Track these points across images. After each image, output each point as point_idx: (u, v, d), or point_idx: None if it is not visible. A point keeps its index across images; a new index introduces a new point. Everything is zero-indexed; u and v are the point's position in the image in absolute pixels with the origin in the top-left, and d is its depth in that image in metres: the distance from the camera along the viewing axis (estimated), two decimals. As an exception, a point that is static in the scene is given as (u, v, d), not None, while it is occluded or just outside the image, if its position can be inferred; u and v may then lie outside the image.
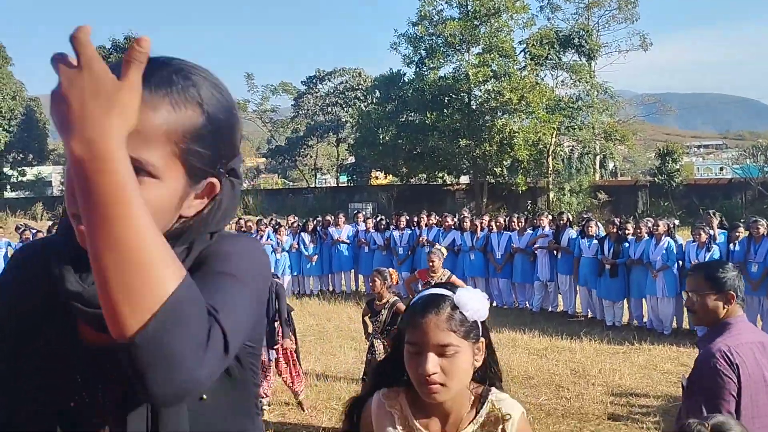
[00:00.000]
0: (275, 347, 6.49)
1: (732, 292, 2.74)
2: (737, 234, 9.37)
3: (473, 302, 1.62)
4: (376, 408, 1.72)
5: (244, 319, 1.02)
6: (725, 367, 2.55)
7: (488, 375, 1.73)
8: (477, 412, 1.66)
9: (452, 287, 1.68)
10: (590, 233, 10.46)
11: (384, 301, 6.02)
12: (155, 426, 1.06)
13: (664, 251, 9.52)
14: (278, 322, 6.50)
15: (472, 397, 1.68)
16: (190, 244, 1.09)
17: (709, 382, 2.56)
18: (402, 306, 6.05)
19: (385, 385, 1.76)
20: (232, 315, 0.97)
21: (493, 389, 1.69)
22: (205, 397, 1.10)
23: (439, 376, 1.56)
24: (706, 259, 8.71)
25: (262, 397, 6.53)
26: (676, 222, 11.34)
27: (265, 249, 1.23)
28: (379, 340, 5.88)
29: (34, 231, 13.38)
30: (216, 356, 0.91)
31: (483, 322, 1.69)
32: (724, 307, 2.74)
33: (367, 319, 6.28)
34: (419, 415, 1.68)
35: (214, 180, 1.09)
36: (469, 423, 1.65)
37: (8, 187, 39.53)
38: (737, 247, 9.22)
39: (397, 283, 6.79)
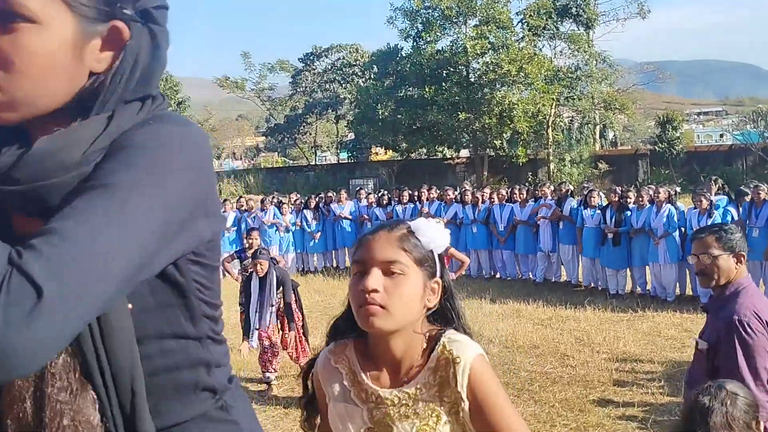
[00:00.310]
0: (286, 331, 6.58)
1: (742, 252, 2.81)
2: (743, 200, 9.36)
3: (431, 230, 1.50)
4: (322, 366, 1.60)
5: (117, 253, 0.81)
6: (757, 325, 2.62)
7: (447, 320, 1.57)
8: (429, 358, 1.48)
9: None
10: (593, 203, 10.48)
11: None
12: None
13: (666, 218, 9.55)
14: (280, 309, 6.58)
15: (426, 341, 1.51)
16: (111, 113, 0.94)
17: (743, 340, 2.61)
18: None
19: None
20: (81, 257, 0.77)
21: (450, 330, 1.51)
22: (131, 306, 0.95)
23: (380, 297, 1.40)
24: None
25: (270, 372, 6.64)
26: (678, 189, 11.37)
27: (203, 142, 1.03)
28: None
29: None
30: (19, 316, 0.71)
31: (442, 262, 1.54)
32: (735, 268, 2.80)
33: None
34: (368, 368, 1.53)
35: (119, 23, 0.93)
36: (422, 370, 1.48)
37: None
38: (740, 212, 9.26)
39: None
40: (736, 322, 2.64)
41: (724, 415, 2.05)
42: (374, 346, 1.53)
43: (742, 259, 2.82)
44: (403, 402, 1.47)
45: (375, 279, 1.41)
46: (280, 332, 6.70)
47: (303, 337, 6.87)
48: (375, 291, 1.40)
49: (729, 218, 9.06)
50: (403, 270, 1.43)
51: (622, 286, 10.26)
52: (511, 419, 1.44)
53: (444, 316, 1.56)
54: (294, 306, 6.69)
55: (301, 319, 6.89)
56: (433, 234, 1.49)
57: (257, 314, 6.50)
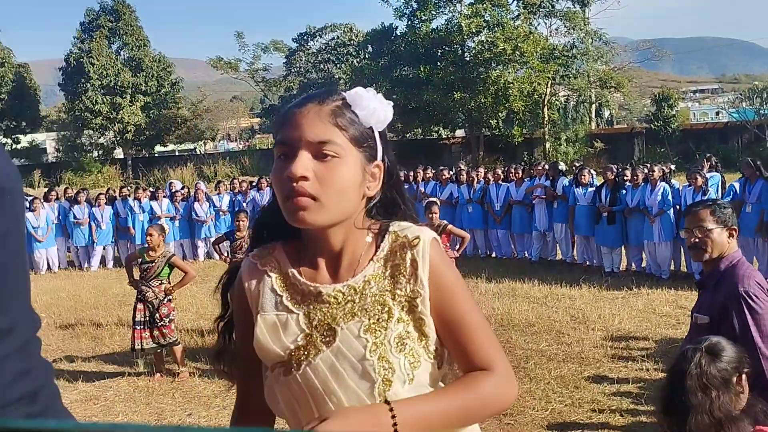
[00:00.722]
0: None
1: (734, 227, 2.84)
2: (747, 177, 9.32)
3: (370, 100, 1.27)
4: (247, 273, 1.35)
5: None
6: (762, 294, 2.68)
7: (390, 212, 1.37)
8: (378, 248, 1.30)
9: None
10: (584, 181, 10.48)
11: None
12: None
13: (660, 196, 9.56)
14: None
15: (371, 235, 1.32)
16: None
17: (753, 309, 2.65)
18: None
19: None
20: None
21: (395, 221, 1.33)
22: None
23: (310, 185, 1.19)
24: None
25: None
26: (672, 167, 11.37)
27: None
28: None
29: (30, 197, 13.39)
30: None
31: (385, 140, 1.34)
32: (728, 242, 2.83)
33: None
34: (303, 266, 1.32)
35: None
36: (369, 261, 1.29)
37: (2, 155, 39.29)
38: (734, 189, 9.28)
39: None
40: (743, 293, 2.68)
41: (698, 377, 2.07)
42: (309, 244, 1.32)
43: (734, 233, 2.85)
44: (349, 298, 1.26)
45: (303, 164, 1.19)
46: None
47: None
48: (304, 178, 1.19)
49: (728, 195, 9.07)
50: (338, 152, 1.22)
51: (617, 264, 10.30)
52: (474, 313, 1.30)
53: (387, 207, 1.37)
54: None
55: None
56: (373, 105, 1.27)
57: None
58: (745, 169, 9.20)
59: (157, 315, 6.48)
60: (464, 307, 1.29)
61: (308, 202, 1.19)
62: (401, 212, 1.38)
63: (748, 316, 2.64)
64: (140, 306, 6.55)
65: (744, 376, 2.15)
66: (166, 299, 6.56)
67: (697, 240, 2.85)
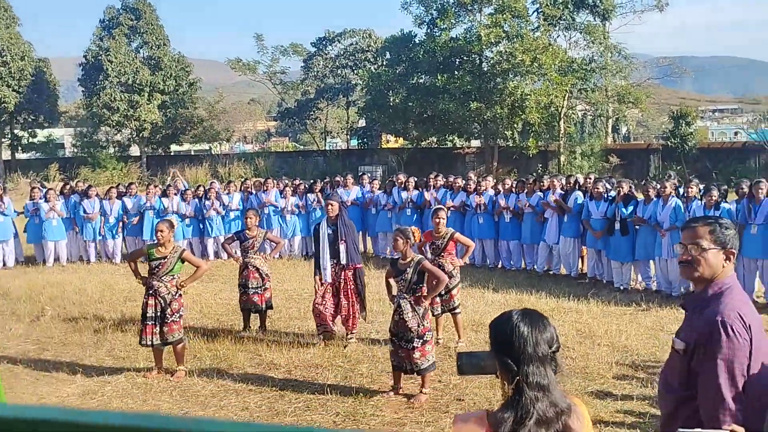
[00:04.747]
0: None
1: (733, 250, 2.63)
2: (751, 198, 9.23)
3: None
4: None
5: None
6: (740, 328, 2.44)
7: None
8: None
9: None
10: (597, 194, 10.34)
11: (408, 260, 5.99)
12: None
13: (672, 211, 9.42)
14: None
15: None
16: None
17: (725, 342, 2.43)
18: (428, 265, 6.04)
19: None
20: None
21: None
22: None
23: None
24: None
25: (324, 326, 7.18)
26: (693, 180, 11.19)
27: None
28: (405, 300, 5.87)
29: (44, 189, 13.46)
30: None
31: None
32: (723, 265, 2.61)
33: (391, 280, 6.23)
34: None
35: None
36: None
37: (19, 148, 39.62)
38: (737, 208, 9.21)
39: (419, 240, 6.82)
40: (719, 322, 2.46)
41: None
42: None
43: (732, 257, 2.63)
44: None
45: None
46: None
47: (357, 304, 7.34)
48: None
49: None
50: None
51: (627, 280, 10.15)
52: None
53: None
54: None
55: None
56: None
57: (325, 255, 7.25)
58: (753, 188, 9.09)
59: (169, 310, 6.46)
60: None
61: None
62: None
63: (719, 348, 2.43)
64: (151, 302, 6.52)
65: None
66: (177, 294, 6.54)
67: (689, 258, 2.63)
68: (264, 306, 8.08)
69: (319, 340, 7.34)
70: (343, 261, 7.24)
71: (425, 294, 5.97)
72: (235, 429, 0.51)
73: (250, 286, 8.03)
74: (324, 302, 7.22)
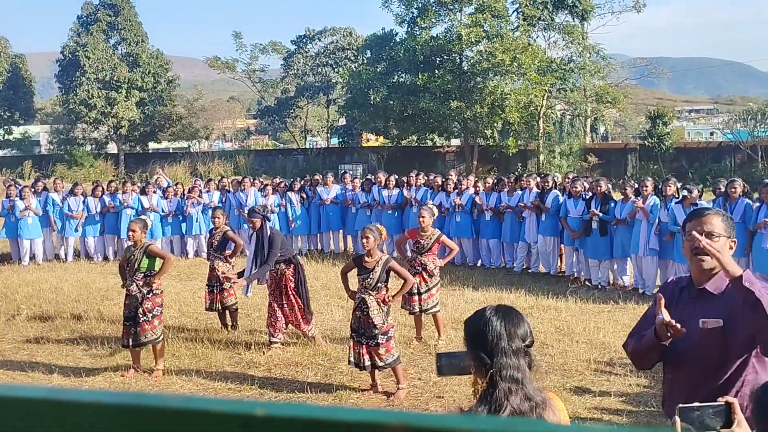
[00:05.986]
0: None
1: (735, 239, 2.64)
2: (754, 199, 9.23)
3: None
4: None
5: None
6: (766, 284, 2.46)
7: None
8: None
9: None
10: (576, 193, 10.42)
11: (377, 257, 6.00)
12: None
13: (650, 210, 9.52)
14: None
15: None
16: None
17: (764, 284, 2.41)
18: (396, 265, 6.06)
19: None
20: None
21: None
22: None
23: None
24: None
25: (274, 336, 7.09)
26: (671, 179, 11.30)
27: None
28: (371, 297, 5.88)
29: (20, 186, 13.27)
30: None
31: None
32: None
33: (348, 275, 6.28)
34: None
35: None
36: None
37: (-6, 145, 39.13)
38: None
39: (384, 239, 6.84)
40: (746, 280, 2.36)
41: None
42: None
43: (734, 246, 2.60)
44: None
45: None
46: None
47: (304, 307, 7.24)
48: None
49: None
50: None
51: (605, 278, 10.25)
52: None
53: None
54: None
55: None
56: None
57: (252, 265, 7.25)
58: (728, 187, 9.18)
59: (141, 310, 6.40)
60: None
61: None
62: None
63: (757, 291, 2.33)
64: (127, 302, 6.51)
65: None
66: (150, 293, 6.46)
67: (714, 246, 2.45)
68: (220, 306, 8.01)
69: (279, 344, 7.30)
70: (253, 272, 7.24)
71: (391, 294, 6.04)
72: (227, 407, 0.51)
73: (212, 285, 8.07)
74: (273, 314, 7.24)
